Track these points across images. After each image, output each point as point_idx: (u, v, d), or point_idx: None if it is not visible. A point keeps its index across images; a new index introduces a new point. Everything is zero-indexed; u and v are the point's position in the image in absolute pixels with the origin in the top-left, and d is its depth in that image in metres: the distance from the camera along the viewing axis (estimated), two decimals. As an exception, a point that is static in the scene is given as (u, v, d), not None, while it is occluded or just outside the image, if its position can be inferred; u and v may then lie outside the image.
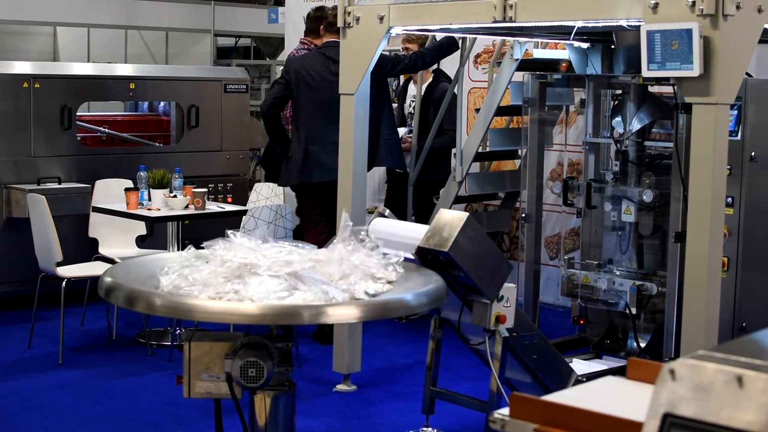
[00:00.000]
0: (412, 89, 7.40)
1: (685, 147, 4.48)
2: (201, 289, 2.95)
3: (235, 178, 7.98)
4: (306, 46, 6.67)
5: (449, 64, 7.06)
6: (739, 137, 4.98)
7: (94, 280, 5.11)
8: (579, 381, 4.41)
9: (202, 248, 3.22)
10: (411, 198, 6.83)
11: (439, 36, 6.27)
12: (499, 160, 7.58)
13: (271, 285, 2.93)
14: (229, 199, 7.61)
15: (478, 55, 7.75)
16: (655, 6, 3.96)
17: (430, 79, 7.11)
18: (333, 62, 5.98)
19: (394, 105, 7.34)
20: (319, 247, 3.39)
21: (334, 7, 5.88)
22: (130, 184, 6.49)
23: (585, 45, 5.89)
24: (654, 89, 5.54)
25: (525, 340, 4.16)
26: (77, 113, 7.34)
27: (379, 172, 7.72)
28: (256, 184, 6.97)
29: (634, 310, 5.15)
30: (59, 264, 5.92)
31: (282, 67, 6.78)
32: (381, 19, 4.97)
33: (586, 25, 4.75)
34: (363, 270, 3.12)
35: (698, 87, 3.92)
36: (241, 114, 8.01)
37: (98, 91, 7.67)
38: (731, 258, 5.02)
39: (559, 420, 1.71)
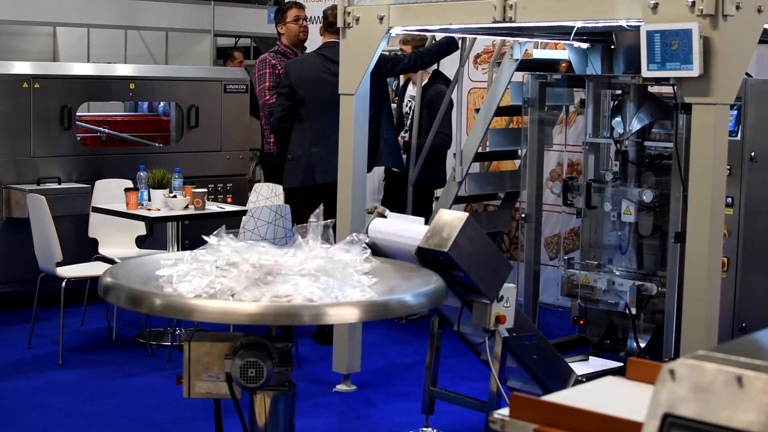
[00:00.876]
0: (411, 89, 7.39)
1: (685, 147, 4.48)
2: (240, 292, 2.91)
3: (234, 178, 7.97)
4: (277, 48, 6.93)
5: (449, 65, 7.06)
6: (738, 137, 4.98)
7: (94, 280, 5.11)
8: (579, 381, 4.41)
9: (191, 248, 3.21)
10: (411, 198, 6.83)
11: (439, 36, 6.27)
12: (498, 161, 7.58)
13: (303, 284, 2.93)
14: (229, 200, 7.60)
15: (477, 56, 7.75)
16: (655, 6, 3.96)
17: (426, 80, 7.10)
18: (332, 63, 5.98)
19: (394, 105, 7.34)
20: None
21: (334, 7, 5.88)
22: (129, 184, 6.49)
23: (585, 45, 5.89)
24: (654, 89, 5.54)
25: (525, 340, 4.16)
26: (77, 113, 7.33)
27: (377, 172, 7.71)
28: (256, 185, 6.96)
29: (633, 311, 5.15)
30: (59, 264, 5.92)
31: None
32: (381, 19, 4.97)
33: (586, 25, 4.75)
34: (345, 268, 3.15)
35: (698, 87, 3.92)
36: (241, 114, 8.01)
37: (98, 91, 7.67)
38: (731, 258, 5.02)
39: (559, 420, 1.71)
